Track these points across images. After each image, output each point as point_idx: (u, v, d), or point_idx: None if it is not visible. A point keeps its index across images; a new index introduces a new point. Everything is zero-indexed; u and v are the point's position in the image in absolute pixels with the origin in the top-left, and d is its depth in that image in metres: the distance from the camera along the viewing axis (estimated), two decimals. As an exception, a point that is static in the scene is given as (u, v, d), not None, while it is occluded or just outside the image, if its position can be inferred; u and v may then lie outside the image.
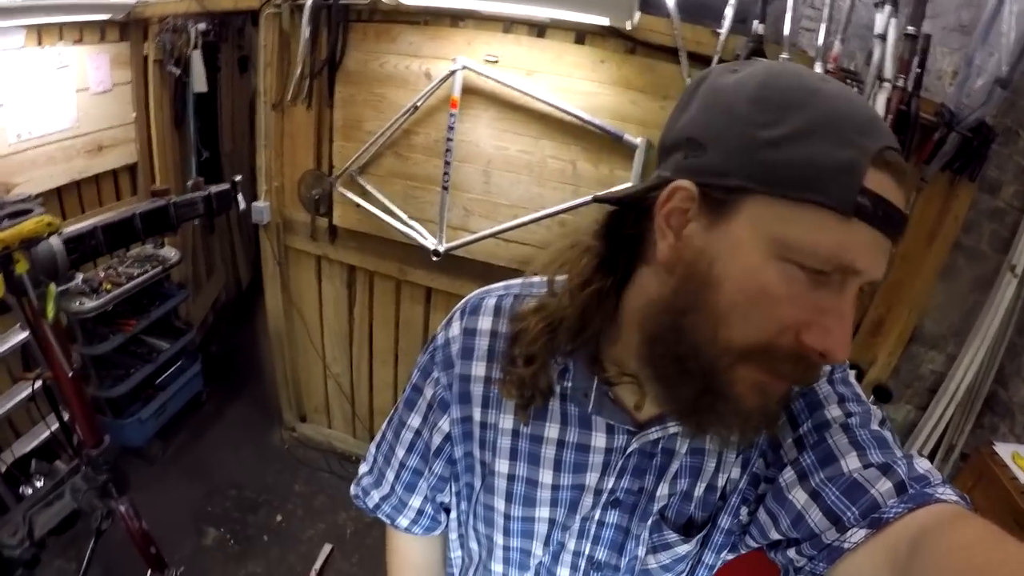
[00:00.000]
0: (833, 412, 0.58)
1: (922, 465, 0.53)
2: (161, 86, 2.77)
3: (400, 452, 0.79)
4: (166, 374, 2.80)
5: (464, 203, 2.19)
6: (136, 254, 2.72)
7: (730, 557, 0.71)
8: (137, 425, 2.61)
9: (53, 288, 1.53)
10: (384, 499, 0.84)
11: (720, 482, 0.66)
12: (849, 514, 0.51)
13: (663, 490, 0.66)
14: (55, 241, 1.48)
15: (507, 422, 0.69)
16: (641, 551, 0.69)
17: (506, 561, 0.77)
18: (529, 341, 0.63)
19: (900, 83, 1.79)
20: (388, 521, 0.86)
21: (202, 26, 2.71)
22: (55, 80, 2.31)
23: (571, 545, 0.72)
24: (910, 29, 1.80)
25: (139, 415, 2.61)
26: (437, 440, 0.76)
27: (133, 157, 2.77)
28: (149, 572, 1.94)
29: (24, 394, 2.17)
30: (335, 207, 2.36)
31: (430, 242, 2.21)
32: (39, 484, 1.76)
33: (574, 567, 0.73)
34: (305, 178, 2.34)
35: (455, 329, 0.72)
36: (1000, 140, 1.95)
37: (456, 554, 0.86)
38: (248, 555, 2.41)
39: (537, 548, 0.73)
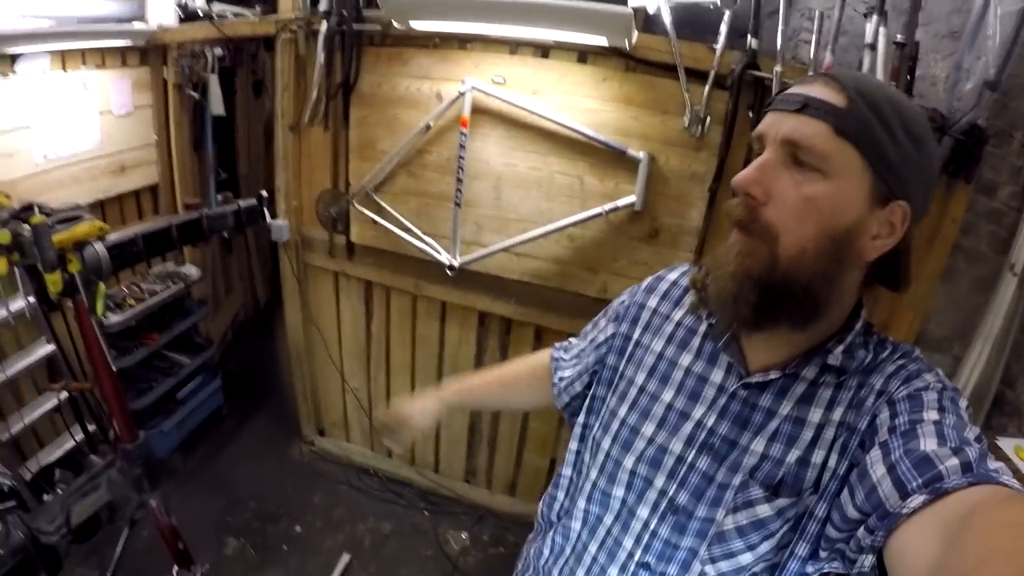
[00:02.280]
0: (931, 415, 0.63)
1: (995, 463, 0.56)
2: (180, 109, 2.84)
3: (583, 333, 1.08)
4: (187, 388, 2.87)
5: (476, 219, 2.25)
6: (158, 271, 2.80)
7: (811, 571, 0.73)
8: (159, 437, 2.66)
9: (103, 287, 1.63)
10: (559, 354, 1.11)
11: (815, 458, 0.71)
12: (914, 483, 0.54)
13: (757, 446, 0.74)
14: (99, 246, 1.57)
15: (657, 345, 0.88)
16: (719, 513, 0.76)
17: (602, 468, 0.90)
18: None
19: (892, 90, 1.82)
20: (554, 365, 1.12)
21: (218, 51, 2.78)
22: (79, 103, 2.39)
23: (658, 482, 0.82)
24: (899, 37, 1.83)
25: (161, 427, 2.68)
26: (600, 338, 0.99)
27: (154, 178, 2.85)
28: (176, 568, 1.99)
29: (50, 404, 2.24)
30: (352, 224, 2.43)
31: (444, 257, 2.27)
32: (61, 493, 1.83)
33: (655, 506, 0.82)
34: (323, 197, 2.41)
35: (650, 277, 0.97)
36: (993, 142, 1.96)
37: (566, 472, 1.01)
38: (268, 564, 2.46)
39: (629, 461, 0.85)
